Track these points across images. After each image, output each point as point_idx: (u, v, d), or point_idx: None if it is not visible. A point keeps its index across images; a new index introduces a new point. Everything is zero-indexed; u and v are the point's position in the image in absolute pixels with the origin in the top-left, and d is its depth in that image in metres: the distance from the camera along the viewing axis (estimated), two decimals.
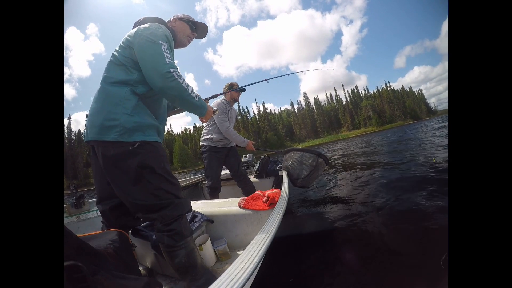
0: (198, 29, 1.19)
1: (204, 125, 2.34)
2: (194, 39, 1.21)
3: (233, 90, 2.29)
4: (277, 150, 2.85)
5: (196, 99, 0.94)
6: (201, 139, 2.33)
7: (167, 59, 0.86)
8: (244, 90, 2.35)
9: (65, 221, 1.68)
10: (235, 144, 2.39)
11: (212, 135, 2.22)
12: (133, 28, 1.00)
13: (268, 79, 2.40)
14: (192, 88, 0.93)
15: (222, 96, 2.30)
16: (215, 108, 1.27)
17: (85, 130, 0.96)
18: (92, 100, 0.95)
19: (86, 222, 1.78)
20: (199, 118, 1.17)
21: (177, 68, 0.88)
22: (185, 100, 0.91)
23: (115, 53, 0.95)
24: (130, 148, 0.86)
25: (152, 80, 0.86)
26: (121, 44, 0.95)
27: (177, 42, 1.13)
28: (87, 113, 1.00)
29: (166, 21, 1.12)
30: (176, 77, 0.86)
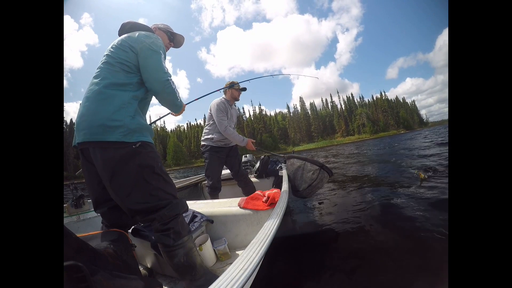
0: (175, 40, 1.29)
1: (205, 124, 2.36)
2: (171, 48, 1.29)
3: (233, 88, 2.31)
4: (278, 153, 2.83)
5: (179, 100, 1.08)
6: (202, 138, 2.33)
7: (165, 68, 0.99)
8: (245, 89, 2.39)
9: (65, 221, 1.67)
10: (235, 144, 2.39)
11: (212, 134, 2.23)
12: (120, 29, 1.09)
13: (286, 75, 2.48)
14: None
15: (223, 95, 2.35)
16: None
17: (75, 133, 0.91)
18: (83, 100, 0.92)
19: (86, 222, 1.77)
20: (170, 113, 1.31)
21: (171, 75, 1.02)
22: (174, 103, 1.04)
23: (110, 54, 0.96)
24: (133, 147, 0.87)
25: (152, 86, 0.97)
26: (118, 46, 0.97)
27: None
28: (77, 115, 0.92)
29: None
30: (172, 84, 0.99)
